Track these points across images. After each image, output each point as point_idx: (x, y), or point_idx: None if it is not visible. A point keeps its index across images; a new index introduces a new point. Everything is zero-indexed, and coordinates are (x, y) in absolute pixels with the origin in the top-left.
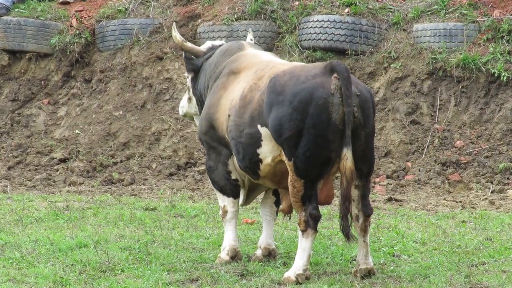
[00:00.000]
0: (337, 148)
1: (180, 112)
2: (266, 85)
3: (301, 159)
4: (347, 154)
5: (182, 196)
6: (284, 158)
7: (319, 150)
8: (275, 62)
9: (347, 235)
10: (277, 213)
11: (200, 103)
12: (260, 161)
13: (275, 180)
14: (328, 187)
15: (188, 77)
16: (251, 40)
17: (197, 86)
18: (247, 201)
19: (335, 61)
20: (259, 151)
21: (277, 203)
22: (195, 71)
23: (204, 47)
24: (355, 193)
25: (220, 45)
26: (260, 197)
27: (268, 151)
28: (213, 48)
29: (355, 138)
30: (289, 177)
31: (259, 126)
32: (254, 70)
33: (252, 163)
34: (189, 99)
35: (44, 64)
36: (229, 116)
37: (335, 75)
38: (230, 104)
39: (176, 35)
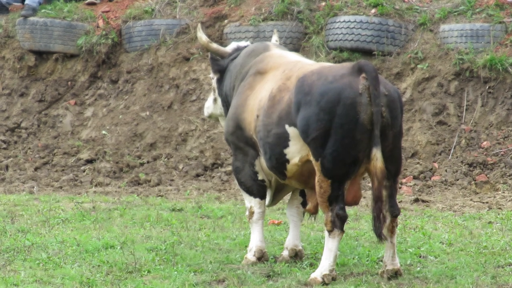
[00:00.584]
0: (365, 148)
1: (205, 113)
2: (294, 85)
3: (328, 159)
4: (377, 155)
5: (209, 197)
6: (311, 158)
7: (346, 150)
8: (303, 62)
9: (379, 235)
10: (304, 214)
11: (226, 104)
12: (287, 161)
13: (302, 180)
14: (356, 188)
15: (213, 78)
16: (277, 41)
17: (222, 87)
18: (273, 201)
19: (363, 61)
20: (286, 151)
21: (304, 204)
22: (221, 72)
23: (229, 48)
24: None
25: (246, 46)
26: (286, 198)
27: (295, 151)
28: (238, 49)
29: (383, 138)
30: (316, 177)
31: (286, 126)
32: (282, 70)
33: (279, 163)
34: (215, 100)
35: (70, 64)
36: (257, 116)
37: (363, 75)
38: (259, 105)
39: (202, 36)
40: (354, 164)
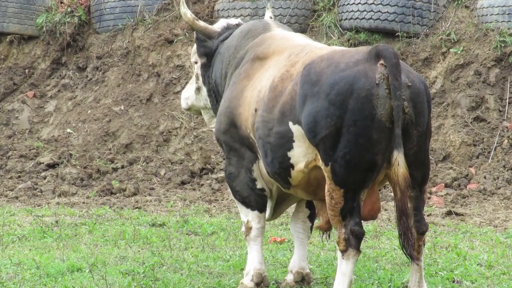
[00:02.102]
0: (384, 150)
1: (184, 105)
2: (299, 73)
3: (340, 164)
4: (399, 158)
5: (197, 209)
6: (320, 163)
7: (361, 153)
8: (311, 45)
9: (410, 254)
10: (311, 230)
11: (214, 94)
12: (292, 166)
13: (309, 190)
14: (373, 199)
15: (196, 63)
16: (271, 17)
17: (210, 73)
18: (274, 214)
19: (381, 45)
20: (290, 154)
21: (312, 218)
22: (208, 56)
23: (218, 26)
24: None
25: (237, 24)
26: (290, 210)
27: (301, 154)
28: (229, 28)
29: (406, 138)
30: (326, 186)
31: (290, 124)
32: (287, 55)
33: (282, 168)
34: (198, 89)
35: (28, 48)
36: (256, 110)
37: (381, 61)
38: (258, 96)
39: (186, 11)
40: (371, 170)
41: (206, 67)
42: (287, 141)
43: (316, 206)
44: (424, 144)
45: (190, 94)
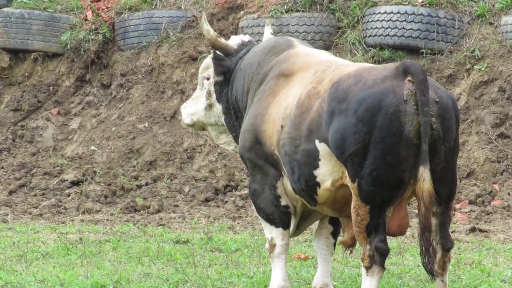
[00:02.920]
0: (411, 167)
1: (188, 121)
2: (327, 91)
3: (367, 180)
4: (424, 174)
5: (221, 226)
6: (346, 181)
7: (388, 170)
8: (337, 62)
9: (430, 271)
10: (334, 246)
11: (234, 111)
12: (318, 184)
13: (336, 207)
14: (402, 215)
15: (208, 79)
16: (272, 34)
17: (230, 90)
18: (297, 231)
19: (408, 61)
20: (316, 172)
21: (335, 234)
22: (226, 74)
23: (234, 43)
24: (432, 221)
25: (249, 41)
26: (314, 226)
27: (327, 172)
28: (244, 45)
29: (433, 154)
30: (352, 202)
31: (317, 142)
32: (312, 72)
33: (308, 186)
34: (209, 106)
35: (53, 66)
36: (282, 127)
37: (408, 78)
38: (284, 113)
39: (209, 29)
40: (398, 187)
41: (223, 85)
42: (313, 159)
43: (342, 222)
44: (452, 160)
45: (197, 110)
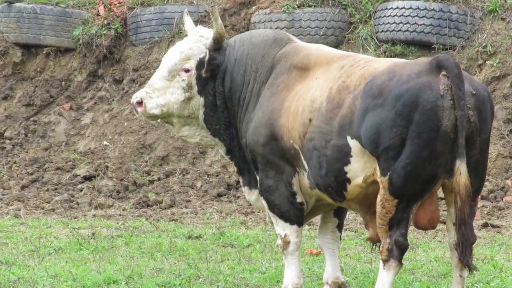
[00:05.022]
0: (445, 162)
1: (157, 111)
2: (361, 88)
3: (399, 174)
4: (461, 168)
5: (233, 222)
6: (377, 175)
7: (423, 165)
8: (362, 57)
9: (467, 264)
10: (340, 239)
11: (224, 104)
12: (348, 180)
13: (365, 204)
14: (432, 208)
15: (187, 72)
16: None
17: (221, 83)
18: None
19: (442, 56)
20: (347, 168)
21: (340, 227)
22: (214, 70)
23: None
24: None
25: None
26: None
27: (358, 169)
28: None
29: (469, 147)
30: (379, 195)
31: (348, 138)
32: (338, 66)
33: (337, 182)
34: (188, 99)
35: (65, 61)
36: (310, 120)
37: (443, 72)
38: (311, 106)
39: (221, 23)
40: (431, 182)
41: (208, 78)
42: (344, 155)
43: (365, 218)
44: (486, 151)
45: (169, 101)
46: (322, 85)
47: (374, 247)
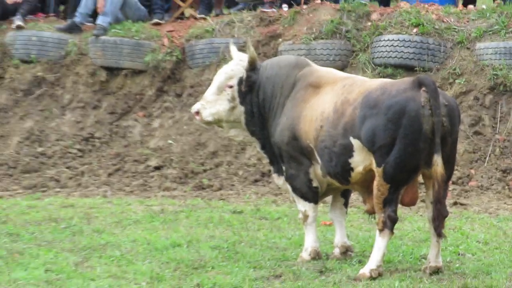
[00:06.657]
0: (426, 156)
1: (210, 118)
2: (359, 100)
3: (391, 165)
4: (438, 160)
5: (266, 200)
6: (373, 166)
7: (409, 158)
8: (359, 78)
9: (439, 234)
10: (346, 213)
11: (258, 110)
12: (352, 169)
13: (364, 185)
14: (414, 190)
15: (231, 88)
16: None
17: (256, 96)
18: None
19: (422, 76)
20: (350, 160)
21: (346, 204)
22: (252, 85)
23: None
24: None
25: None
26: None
27: (359, 161)
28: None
29: (443, 144)
30: (375, 181)
31: (351, 138)
32: (341, 85)
33: (344, 170)
34: (232, 108)
35: (139, 80)
36: (321, 127)
37: (423, 88)
38: (322, 116)
39: (253, 50)
40: (415, 171)
41: (247, 92)
42: (349, 151)
43: (363, 196)
44: (454, 148)
45: (218, 110)
46: (330, 99)
47: (370, 217)
